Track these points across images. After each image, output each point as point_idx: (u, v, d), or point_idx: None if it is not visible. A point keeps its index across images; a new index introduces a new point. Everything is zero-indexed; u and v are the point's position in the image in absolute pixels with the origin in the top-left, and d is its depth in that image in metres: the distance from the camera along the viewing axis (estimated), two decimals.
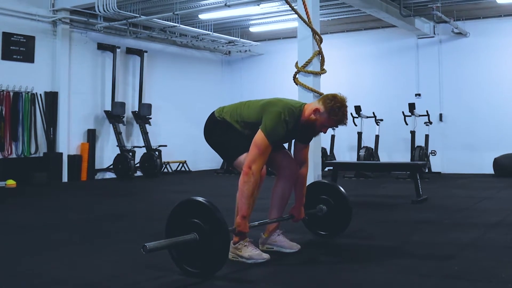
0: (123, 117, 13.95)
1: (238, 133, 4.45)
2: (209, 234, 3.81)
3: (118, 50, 14.10)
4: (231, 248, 4.38)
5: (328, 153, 14.04)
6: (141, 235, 5.63)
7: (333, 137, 14.13)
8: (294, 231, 5.28)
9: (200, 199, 3.95)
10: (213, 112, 4.64)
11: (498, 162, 12.73)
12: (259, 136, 4.21)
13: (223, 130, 4.50)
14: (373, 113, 13.81)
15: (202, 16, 13.99)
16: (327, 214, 5.13)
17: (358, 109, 13.62)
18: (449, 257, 4.47)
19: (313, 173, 9.01)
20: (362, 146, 13.43)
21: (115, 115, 13.68)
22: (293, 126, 4.37)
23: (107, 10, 11.53)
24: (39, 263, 4.53)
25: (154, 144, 14.20)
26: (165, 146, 14.42)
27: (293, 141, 4.75)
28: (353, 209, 5.24)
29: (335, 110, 4.31)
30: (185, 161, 15.54)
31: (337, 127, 4.59)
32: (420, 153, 12.73)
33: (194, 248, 3.87)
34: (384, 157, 13.99)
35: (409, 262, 4.38)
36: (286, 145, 5.07)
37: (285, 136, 4.40)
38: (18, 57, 12.13)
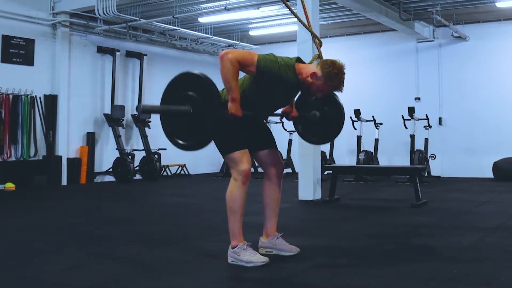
0: (123, 120, 13.94)
1: (238, 126, 4.41)
2: (203, 107, 3.81)
3: (117, 53, 14.10)
4: (230, 252, 4.38)
5: (328, 157, 14.02)
6: (140, 239, 5.63)
7: (332, 142, 14.10)
8: (293, 235, 5.27)
9: (196, 72, 3.95)
10: None
11: (497, 166, 12.73)
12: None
13: (226, 120, 4.46)
14: (373, 116, 13.80)
15: (202, 20, 14.00)
16: (320, 120, 5.11)
17: (357, 112, 13.61)
18: (448, 261, 4.47)
19: (313, 177, 9.03)
20: (361, 150, 13.40)
21: (114, 118, 13.68)
22: (293, 79, 4.38)
23: (107, 13, 11.53)
24: (38, 267, 4.52)
25: (153, 147, 14.18)
26: (165, 149, 14.38)
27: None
28: (345, 116, 5.16)
29: (332, 76, 4.33)
30: (185, 164, 15.53)
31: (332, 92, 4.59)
32: (420, 157, 12.72)
33: (187, 120, 3.85)
34: (383, 161, 13.98)
35: (408, 266, 4.37)
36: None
37: (285, 87, 4.43)
38: (18, 60, 12.14)
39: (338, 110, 5.10)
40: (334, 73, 4.32)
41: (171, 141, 4.02)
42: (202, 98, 3.87)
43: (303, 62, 4.55)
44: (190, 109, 3.86)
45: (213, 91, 3.86)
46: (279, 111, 4.90)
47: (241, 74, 4.34)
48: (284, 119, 4.98)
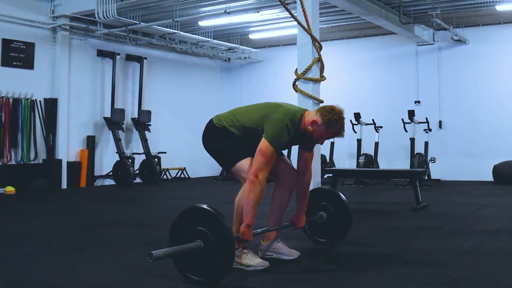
0: (123, 123, 13.94)
1: (236, 139, 4.44)
2: (214, 242, 3.79)
3: (117, 56, 14.11)
4: None
5: (328, 160, 14.03)
6: (141, 242, 5.63)
7: (332, 144, 14.12)
8: (293, 238, 5.27)
9: (205, 206, 3.93)
10: (211, 119, 4.63)
11: (497, 169, 12.73)
12: (264, 144, 4.21)
13: (221, 137, 4.49)
14: (373, 120, 13.81)
15: (202, 23, 14.01)
16: (327, 221, 5.12)
17: (357, 116, 13.62)
18: (449, 264, 4.46)
19: (313, 180, 8.98)
20: (361, 153, 13.41)
21: (114, 121, 13.68)
22: (294, 132, 4.38)
23: (107, 16, 11.53)
24: (39, 271, 4.52)
25: (153, 150, 14.19)
26: (165, 152, 14.43)
27: (298, 148, 4.74)
28: (353, 216, 5.22)
29: (332, 123, 4.32)
30: (185, 167, 15.53)
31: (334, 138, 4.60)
32: (420, 160, 12.72)
33: (199, 256, 3.85)
34: (383, 164, 13.98)
35: (409, 270, 4.37)
36: (285, 152, 5.07)
37: (288, 142, 4.42)
38: (18, 63, 12.14)
39: (344, 209, 5.14)
40: (334, 120, 4.32)
41: (185, 278, 3.98)
42: (213, 232, 3.84)
43: (305, 110, 4.56)
44: (202, 245, 3.84)
45: (222, 225, 3.83)
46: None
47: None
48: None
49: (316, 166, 9.14)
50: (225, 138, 4.47)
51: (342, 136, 4.43)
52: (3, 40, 11.91)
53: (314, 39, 8.52)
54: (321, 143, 4.55)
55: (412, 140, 13.11)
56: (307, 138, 4.48)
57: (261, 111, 4.43)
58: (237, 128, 4.45)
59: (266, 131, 4.26)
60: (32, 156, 12.28)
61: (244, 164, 4.34)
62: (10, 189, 11.44)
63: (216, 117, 4.62)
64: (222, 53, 16.41)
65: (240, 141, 4.44)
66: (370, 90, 15.10)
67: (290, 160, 4.83)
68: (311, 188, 4.91)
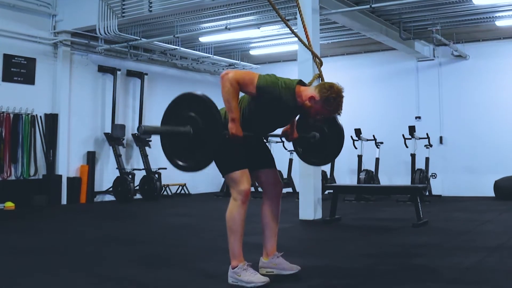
0: (123, 139, 13.94)
1: (237, 146, 4.41)
2: (203, 128, 3.80)
3: (118, 72, 14.13)
4: (230, 272, 4.35)
5: (328, 176, 13.99)
6: (141, 260, 5.59)
7: (333, 162, 14.08)
8: (294, 254, 5.23)
9: (198, 92, 3.94)
10: None
11: (498, 185, 12.70)
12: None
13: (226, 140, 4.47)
14: (373, 136, 13.79)
15: (203, 39, 14.05)
16: (320, 141, 5.11)
17: (358, 132, 13.61)
18: (450, 282, 4.44)
19: (313, 196, 9.00)
20: (362, 169, 13.38)
21: (115, 137, 13.68)
22: (292, 102, 4.38)
23: (108, 32, 11.57)
24: (37, 287, 4.49)
25: (154, 166, 14.16)
26: (165, 168, 14.36)
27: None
28: (344, 135, 5.17)
29: (329, 100, 4.31)
30: (185, 184, 15.50)
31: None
32: (421, 176, 12.70)
33: (187, 141, 3.83)
34: (384, 180, 13.96)
35: (410, 287, 4.34)
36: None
37: (284, 109, 4.41)
38: (19, 79, 12.16)
39: (337, 131, 5.11)
40: (332, 97, 4.31)
41: (171, 162, 4.01)
42: (203, 119, 3.87)
43: (305, 85, 4.53)
44: (191, 130, 3.85)
45: (213, 113, 3.86)
46: (279, 131, 4.90)
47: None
48: (284, 139, 4.95)
49: (316, 182, 9.15)
50: (227, 143, 4.44)
51: (339, 114, 4.45)
52: (4, 55, 11.94)
53: (314, 55, 8.52)
54: (319, 118, 4.51)
55: (413, 156, 13.09)
56: (304, 113, 4.49)
57: None
58: (242, 113, 4.45)
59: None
60: (32, 171, 12.27)
61: (238, 176, 4.33)
62: (9, 204, 11.42)
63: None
64: (223, 69, 16.43)
65: (241, 150, 4.41)
66: (371, 106, 15.11)
67: (281, 172, 4.82)
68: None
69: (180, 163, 3.92)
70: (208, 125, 3.86)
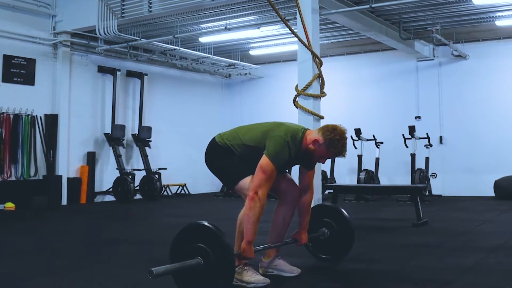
0: (123, 140, 13.94)
1: (238, 158, 4.43)
2: (214, 259, 3.77)
3: (118, 72, 14.13)
4: None
5: (328, 176, 14.01)
6: (141, 260, 5.59)
7: (333, 160, 14.09)
8: (295, 255, 5.23)
9: (205, 223, 3.91)
10: (214, 137, 4.62)
11: (498, 185, 12.70)
12: (264, 161, 4.18)
13: (224, 155, 4.48)
14: (373, 136, 13.80)
15: (202, 39, 14.05)
16: (330, 238, 5.09)
17: (358, 132, 13.62)
18: (449, 282, 4.44)
19: (314, 196, 8.97)
20: (362, 169, 13.39)
21: (115, 137, 13.68)
22: (296, 151, 4.36)
23: (108, 33, 11.56)
24: None
25: (154, 167, 14.17)
26: (165, 169, 14.41)
27: (299, 165, 4.72)
28: (356, 232, 5.19)
29: (334, 143, 4.29)
30: (185, 184, 15.50)
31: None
32: (421, 176, 12.70)
33: (199, 273, 3.82)
34: (384, 180, 13.96)
35: (409, 287, 4.34)
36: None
37: (289, 160, 4.38)
38: (19, 79, 12.16)
39: (346, 225, 5.11)
40: (336, 139, 4.29)
41: None
42: (213, 250, 3.82)
43: (309, 130, 4.54)
44: (202, 261, 3.82)
45: (222, 241, 3.82)
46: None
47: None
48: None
49: (317, 182, 9.13)
50: (227, 156, 4.46)
51: (344, 156, 4.40)
52: (4, 56, 11.94)
53: (314, 55, 8.54)
54: (323, 162, 4.52)
55: (413, 156, 13.10)
56: (309, 157, 4.46)
57: (264, 129, 4.42)
58: (239, 147, 4.44)
59: (267, 148, 4.24)
60: (32, 172, 12.27)
61: (246, 182, 4.32)
62: (10, 205, 11.42)
63: (218, 136, 4.61)
64: (223, 69, 16.45)
65: (242, 159, 4.42)
66: (371, 106, 15.10)
67: (292, 177, 4.79)
68: (313, 204, 4.89)
69: None
70: (219, 255, 3.81)
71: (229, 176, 4.49)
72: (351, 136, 13.42)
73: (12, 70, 12.05)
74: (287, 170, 4.80)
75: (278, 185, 4.59)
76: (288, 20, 9.20)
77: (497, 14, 12.19)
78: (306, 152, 4.40)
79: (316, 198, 9.00)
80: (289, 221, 4.74)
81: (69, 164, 12.99)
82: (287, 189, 4.67)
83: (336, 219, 5.11)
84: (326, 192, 13.01)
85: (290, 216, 4.73)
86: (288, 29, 8.40)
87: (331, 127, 4.36)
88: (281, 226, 4.72)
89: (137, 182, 13.95)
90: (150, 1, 10.93)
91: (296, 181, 4.74)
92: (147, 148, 14.29)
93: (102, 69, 13.98)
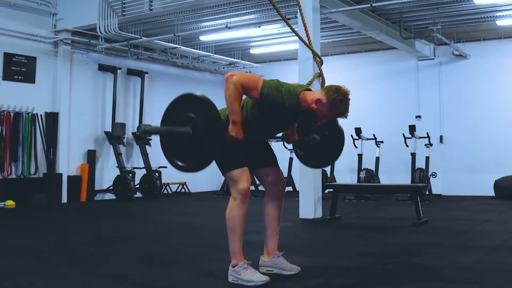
0: (123, 138, 13.94)
1: (238, 145, 4.42)
2: (203, 129, 3.79)
3: (119, 71, 14.13)
4: (230, 271, 4.36)
5: (328, 175, 14.00)
6: (141, 259, 5.59)
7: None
8: (294, 254, 5.24)
9: (197, 93, 3.93)
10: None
11: (498, 184, 12.71)
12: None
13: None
14: (374, 135, 13.80)
15: (203, 38, 14.04)
16: (320, 143, 5.08)
17: (358, 131, 13.62)
18: (450, 281, 4.44)
19: (314, 195, 9.00)
20: (362, 168, 13.39)
21: (115, 136, 13.68)
22: (295, 107, 4.35)
23: (109, 31, 11.56)
24: (37, 286, 4.49)
25: (154, 165, 14.16)
26: (165, 167, 14.36)
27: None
28: (344, 138, 5.15)
29: (336, 103, 4.30)
30: (185, 182, 15.50)
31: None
32: (421, 175, 12.71)
33: (187, 141, 3.82)
34: (384, 179, 13.97)
35: (410, 286, 4.34)
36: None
37: (284, 114, 4.39)
38: (19, 77, 12.16)
39: (338, 133, 5.10)
40: (339, 100, 4.30)
41: (170, 162, 4.01)
42: (202, 120, 3.86)
43: (310, 90, 4.53)
44: (190, 131, 3.85)
45: (213, 113, 3.86)
46: (279, 134, 4.89)
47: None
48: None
49: (317, 181, 9.16)
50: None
51: (346, 117, 4.41)
52: (5, 54, 11.94)
53: (315, 54, 8.54)
54: (324, 122, 4.49)
55: (413, 155, 13.10)
56: (310, 117, 4.46)
57: None
58: (245, 116, 4.44)
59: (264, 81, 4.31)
60: (32, 170, 12.27)
61: (237, 175, 4.33)
62: (10, 203, 11.43)
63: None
64: (223, 67, 16.44)
65: (241, 145, 4.41)
66: (371, 105, 15.10)
67: (281, 171, 4.80)
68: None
69: (180, 163, 3.92)
70: (208, 126, 3.85)
71: (223, 161, 4.46)
72: (351, 135, 13.42)
73: (12, 68, 12.05)
74: (275, 164, 4.78)
75: (267, 177, 4.61)
76: (289, 19, 9.20)
77: (498, 14, 12.19)
78: (307, 111, 4.39)
79: (316, 197, 9.03)
80: (279, 212, 4.75)
81: (69, 162, 12.99)
82: (274, 182, 4.71)
83: (328, 125, 5.03)
84: (326, 191, 13.00)
85: (279, 209, 4.74)
86: (288, 28, 8.39)
87: (334, 87, 4.38)
88: (273, 219, 4.72)
89: (137, 181, 13.94)
90: (151, 0, 10.94)
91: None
92: (147, 147, 14.29)
93: (102, 67, 13.98)
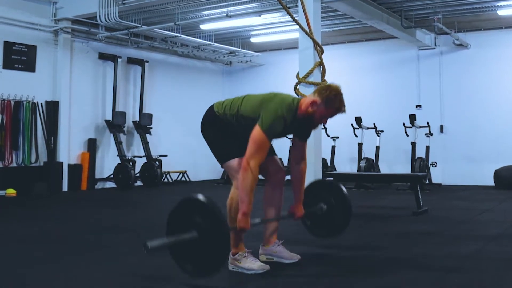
0: (124, 126, 13.95)
1: (233, 132, 4.43)
2: (209, 232, 3.79)
3: (119, 59, 14.13)
4: (230, 259, 4.38)
5: (329, 164, 14.03)
6: (141, 247, 5.59)
7: (333, 148, 14.13)
8: (294, 242, 5.25)
9: (200, 197, 3.93)
10: (212, 105, 4.62)
11: (498, 174, 12.71)
12: (257, 132, 4.19)
13: (219, 127, 4.49)
14: (374, 124, 13.81)
15: (203, 27, 14.02)
16: (327, 213, 5.08)
17: (358, 120, 13.63)
18: (449, 270, 4.46)
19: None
20: (362, 157, 13.41)
21: (115, 124, 13.68)
22: (291, 121, 4.35)
23: (109, 20, 11.55)
24: (38, 275, 4.51)
25: (154, 154, 14.19)
26: (166, 156, 14.43)
27: (292, 137, 4.73)
28: (353, 208, 5.17)
29: (331, 99, 4.30)
30: (185, 171, 15.52)
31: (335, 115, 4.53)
32: (421, 165, 12.72)
33: (195, 246, 3.83)
34: (384, 168, 13.97)
35: (410, 275, 4.36)
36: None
37: (283, 132, 4.40)
38: (20, 66, 12.15)
39: (344, 201, 5.10)
40: (333, 95, 4.30)
41: (181, 269, 3.97)
42: (208, 223, 3.82)
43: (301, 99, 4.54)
44: (197, 235, 3.83)
45: (217, 216, 3.82)
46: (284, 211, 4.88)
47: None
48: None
49: (317, 170, 9.17)
50: (223, 129, 4.47)
51: (344, 111, 4.40)
52: (5, 42, 11.92)
53: (315, 43, 8.54)
54: (325, 123, 4.48)
55: (413, 145, 13.12)
56: (308, 123, 4.46)
57: (260, 99, 4.40)
58: (236, 118, 4.43)
59: (261, 119, 4.23)
60: (33, 158, 12.28)
61: (236, 164, 4.34)
62: (11, 191, 11.44)
63: (217, 104, 4.60)
64: (224, 56, 16.42)
65: (237, 135, 4.42)
66: (372, 94, 15.09)
67: (282, 160, 4.82)
68: (312, 180, 4.90)
69: (192, 268, 3.90)
70: (214, 228, 3.82)
71: (220, 151, 4.50)
72: (352, 125, 13.43)
73: (13, 56, 12.04)
74: (275, 152, 4.79)
75: (266, 167, 4.60)
76: (289, 8, 9.19)
77: (499, 4, 12.15)
78: (304, 118, 4.39)
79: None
80: (279, 201, 4.76)
81: (70, 151, 13.00)
82: (274, 170, 4.71)
83: (334, 194, 5.10)
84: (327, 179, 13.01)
85: (279, 196, 4.75)
86: (289, 16, 8.39)
87: (325, 86, 4.42)
88: (273, 208, 4.74)
89: (137, 169, 13.98)
90: None
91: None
92: (147, 135, 14.31)
93: (103, 56, 13.96)
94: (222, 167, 4.59)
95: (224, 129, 4.48)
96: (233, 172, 4.37)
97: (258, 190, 4.21)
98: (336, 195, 5.11)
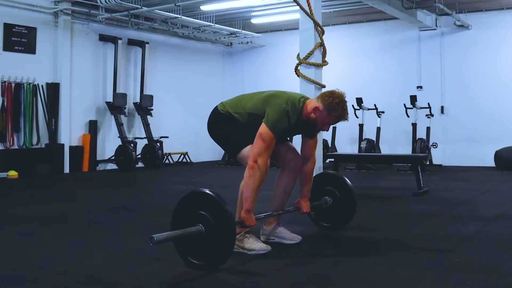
0: (125, 108, 13.94)
1: (241, 126, 4.44)
2: (215, 227, 3.81)
3: (119, 41, 14.09)
4: None
5: (330, 145, 14.04)
6: (143, 227, 5.64)
7: (334, 129, 14.12)
8: (296, 223, 5.29)
9: (207, 191, 3.94)
10: (216, 106, 4.63)
11: (499, 155, 12.72)
12: (263, 129, 4.19)
13: (226, 124, 4.49)
14: (375, 105, 13.80)
15: (204, 8, 13.96)
16: (332, 206, 5.13)
17: (359, 101, 13.62)
18: (449, 250, 4.48)
19: (315, 165, 9.01)
20: (363, 138, 13.43)
21: (116, 106, 13.68)
22: (296, 120, 4.36)
23: (109, 1, 11.53)
24: (41, 255, 4.54)
25: (155, 135, 14.21)
26: (167, 137, 14.44)
27: (301, 134, 4.73)
28: (358, 201, 5.24)
29: (334, 107, 4.28)
30: (187, 152, 15.54)
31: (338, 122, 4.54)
32: (422, 146, 12.74)
33: (200, 240, 3.86)
34: (385, 149, 13.99)
35: (410, 255, 4.39)
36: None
37: (288, 129, 4.38)
38: (20, 48, 12.12)
39: (349, 194, 5.15)
40: (335, 103, 4.28)
41: (186, 262, 3.98)
42: (214, 217, 3.83)
43: (307, 98, 4.53)
44: (203, 229, 3.84)
45: (224, 209, 3.83)
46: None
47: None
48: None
49: (318, 151, 9.15)
50: (230, 125, 4.47)
51: (346, 119, 4.39)
52: (5, 24, 11.88)
53: (316, 23, 8.51)
54: (326, 129, 4.52)
55: (414, 126, 13.13)
56: (311, 126, 4.46)
57: (265, 97, 4.41)
58: (241, 115, 4.44)
59: (266, 116, 4.24)
60: (34, 140, 12.30)
61: (248, 151, 4.31)
62: (13, 173, 11.46)
63: (221, 104, 4.61)
64: (224, 37, 16.38)
65: (245, 128, 4.42)
66: (372, 75, 15.07)
67: (294, 146, 4.81)
68: (315, 173, 4.91)
69: (195, 262, 3.92)
70: (220, 222, 3.84)
71: (232, 144, 4.52)
72: (353, 105, 13.43)
73: (13, 38, 12.00)
74: (288, 139, 4.82)
75: (280, 153, 4.60)
76: None
77: None
78: (308, 121, 4.40)
79: (317, 167, 9.00)
80: (290, 189, 4.76)
81: (71, 133, 13.02)
82: (289, 157, 4.69)
83: (339, 187, 5.15)
84: (327, 161, 13.06)
85: (292, 184, 4.75)
86: None
87: (328, 92, 4.37)
88: (282, 194, 4.75)
89: (139, 151, 14.00)
90: None
91: (298, 149, 4.76)
92: (148, 117, 14.32)
93: (103, 38, 13.93)
94: (237, 160, 4.56)
95: (231, 123, 4.47)
96: (248, 160, 4.30)
97: (270, 172, 4.22)
98: (341, 188, 5.15)
